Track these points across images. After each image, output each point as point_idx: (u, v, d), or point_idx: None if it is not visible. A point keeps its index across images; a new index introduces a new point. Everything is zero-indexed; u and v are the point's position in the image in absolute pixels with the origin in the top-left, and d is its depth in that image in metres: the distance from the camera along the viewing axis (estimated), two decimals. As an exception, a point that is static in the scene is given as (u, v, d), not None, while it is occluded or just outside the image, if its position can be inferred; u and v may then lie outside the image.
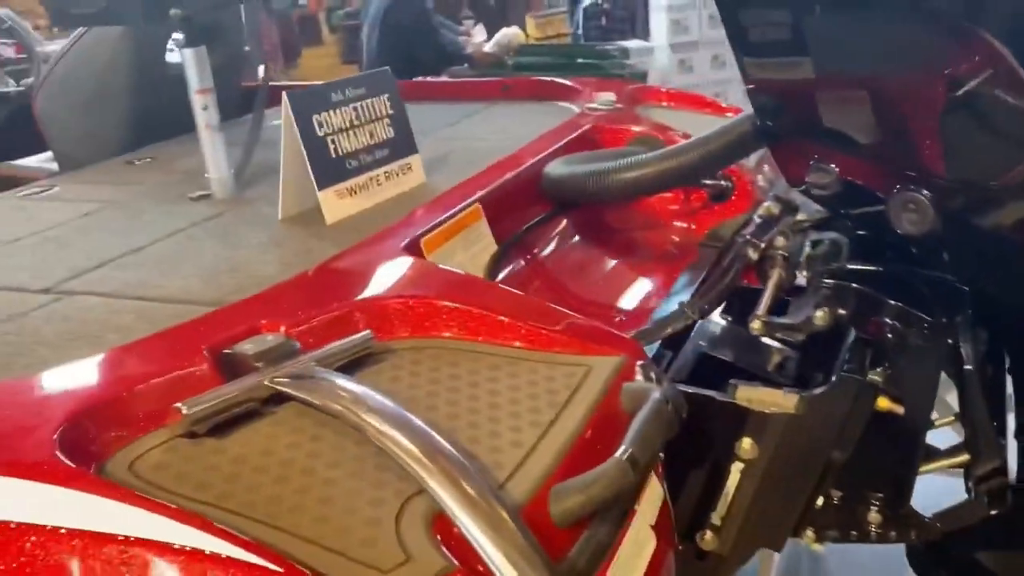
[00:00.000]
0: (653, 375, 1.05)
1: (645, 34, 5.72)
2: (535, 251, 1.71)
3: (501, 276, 1.56)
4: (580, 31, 6.35)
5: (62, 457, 0.78)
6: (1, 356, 1.08)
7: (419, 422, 0.84)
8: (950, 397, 1.44)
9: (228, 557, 0.69)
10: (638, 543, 0.91)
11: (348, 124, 1.60)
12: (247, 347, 0.97)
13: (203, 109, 1.70)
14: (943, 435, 1.49)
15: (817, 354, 1.41)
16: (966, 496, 1.39)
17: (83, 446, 0.83)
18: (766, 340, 1.45)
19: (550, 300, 1.42)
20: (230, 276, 1.31)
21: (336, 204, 1.55)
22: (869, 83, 1.23)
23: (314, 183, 1.53)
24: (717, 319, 1.55)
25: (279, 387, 0.92)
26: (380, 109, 1.68)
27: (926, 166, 1.22)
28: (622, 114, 2.24)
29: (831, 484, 1.38)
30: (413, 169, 1.73)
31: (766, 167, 2.03)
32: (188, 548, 0.69)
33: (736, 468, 1.31)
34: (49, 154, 2.65)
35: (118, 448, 0.86)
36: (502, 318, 1.10)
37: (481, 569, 0.74)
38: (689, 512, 1.33)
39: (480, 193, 1.59)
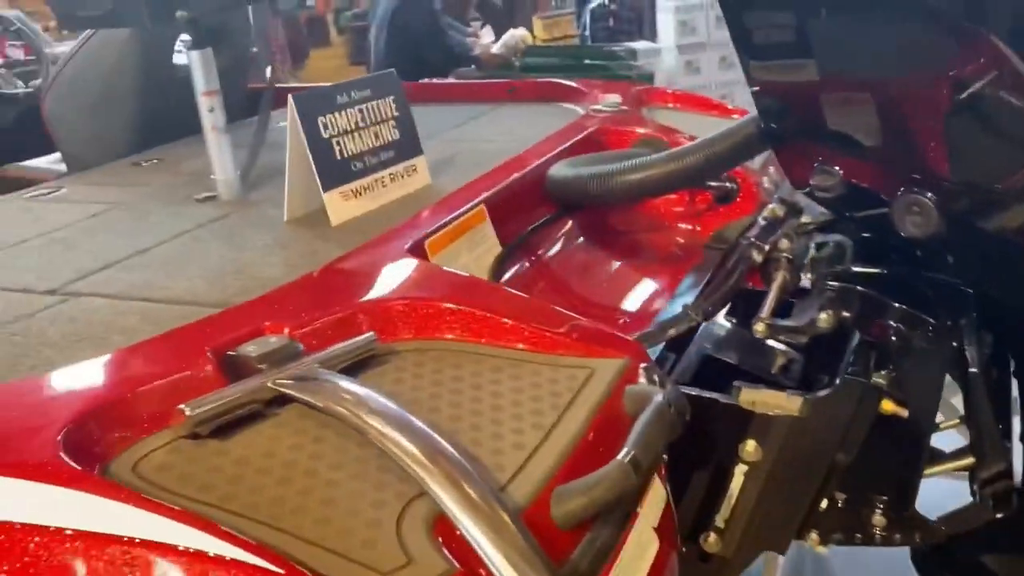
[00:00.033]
0: (656, 378, 1.05)
1: (652, 35, 5.72)
2: (539, 253, 1.72)
3: (505, 278, 1.56)
4: (587, 32, 6.35)
5: (66, 458, 0.79)
6: (7, 357, 1.09)
7: (421, 424, 0.85)
8: (956, 400, 1.44)
9: (232, 559, 0.69)
10: (641, 545, 0.91)
11: (353, 126, 1.61)
12: (251, 349, 0.97)
13: (209, 111, 1.71)
14: (948, 438, 1.49)
15: (821, 356, 1.41)
16: (971, 499, 1.38)
17: (87, 447, 0.83)
18: (770, 342, 1.44)
19: (554, 302, 1.42)
20: (235, 277, 1.32)
21: (341, 206, 1.55)
22: (873, 85, 1.22)
23: (319, 185, 1.53)
24: (721, 321, 1.55)
25: (282, 389, 0.92)
26: (385, 111, 1.69)
27: (930, 169, 1.22)
28: (627, 116, 2.24)
29: (835, 487, 1.38)
30: (418, 171, 1.73)
31: (771, 169, 2.03)
32: (192, 550, 0.70)
33: (740, 470, 1.31)
34: (58, 155, 2.66)
35: (122, 449, 0.86)
36: (505, 320, 1.10)
37: (482, 572, 0.74)
38: (693, 514, 1.33)
39: (485, 195, 1.59)
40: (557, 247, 1.76)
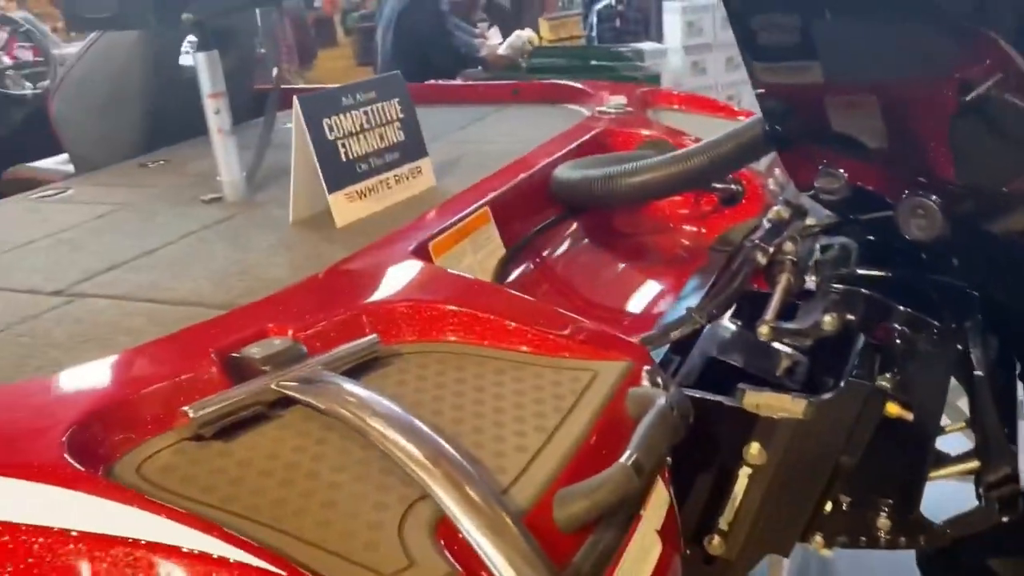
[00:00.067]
0: (660, 380, 1.05)
1: (659, 36, 5.72)
2: (544, 255, 1.72)
3: (509, 280, 1.56)
4: (594, 33, 6.35)
5: (71, 459, 0.79)
6: (13, 358, 1.09)
7: (424, 427, 0.85)
8: (961, 402, 1.43)
9: (235, 561, 0.69)
10: (644, 548, 0.91)
11: (359, 128, 1.61)
12: (254, 351, 0.97)
13: (215, 113, 1.72)
14: (954, 441, 1.48)
15: (826, 359, 1.41)
16: (976, 503, 1.38)
17: (91, 448, 0.83)
18: (775, 345, 1.44)
19: (558, 304, 1.43)
20: (240, 279, 1.32)
21: (346, 207, 1.56)
22: (878, 88, 1.22)
23: (324, 186, 1.54)
24: (726, 324, 1.55)
25: (285, 391, 0.93)
26: (391, 113, 1.69)
27: (935, 171, 1.22)
28: (633, 117, 2.24)
29: (840, 489, 1.38)
30: (423, 172, 1.73)
31: (777, 171, 2.02)
32: (195, 551, 0.70)
33: (744, 473, 1.31)
34: (65, 156, 2.68)
35: (126, 451, 0.86)
36: (508, 322, 1.10)
37: (484, 575, 0.74)
38: (697, 516, 1.33)
39: (489, 196, 1.59)
40: (561, 249, 1.77)
